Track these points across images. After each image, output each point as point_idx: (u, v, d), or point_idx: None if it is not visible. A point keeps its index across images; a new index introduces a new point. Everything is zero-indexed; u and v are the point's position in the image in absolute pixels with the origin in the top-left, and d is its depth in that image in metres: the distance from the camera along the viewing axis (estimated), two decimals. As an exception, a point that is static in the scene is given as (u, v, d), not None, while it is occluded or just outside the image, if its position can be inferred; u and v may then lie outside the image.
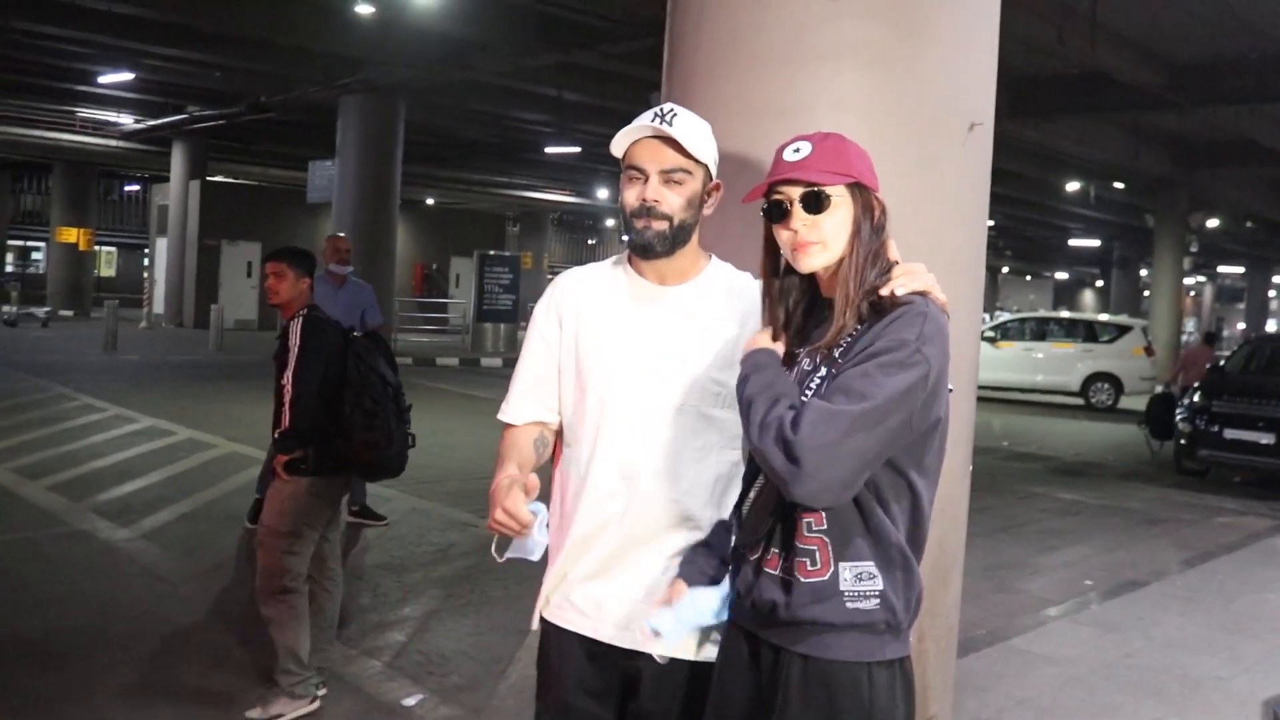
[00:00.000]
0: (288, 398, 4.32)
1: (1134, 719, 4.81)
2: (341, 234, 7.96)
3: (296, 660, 4.34)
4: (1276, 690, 5.18)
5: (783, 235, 2.01)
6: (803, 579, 1.93)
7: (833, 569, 1.92)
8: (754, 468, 2.07)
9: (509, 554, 2.24)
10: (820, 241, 1.98)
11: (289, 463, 4.33)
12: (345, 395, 4.39)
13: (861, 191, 2.00)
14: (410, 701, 4.58)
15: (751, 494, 2.05)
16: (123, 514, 7.59)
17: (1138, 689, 5.17)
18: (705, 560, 2.20)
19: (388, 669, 4.97)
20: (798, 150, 2.00)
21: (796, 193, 1.98)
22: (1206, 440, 11.79)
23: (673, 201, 2.22)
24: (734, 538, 2.12)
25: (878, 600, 1.92)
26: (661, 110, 2.24)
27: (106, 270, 45.56)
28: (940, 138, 3.25)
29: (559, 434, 2.43)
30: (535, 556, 2.22)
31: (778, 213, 2.01)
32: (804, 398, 1.90)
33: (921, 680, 3.34)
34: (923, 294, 1.95)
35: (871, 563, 1.93)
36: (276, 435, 4.39)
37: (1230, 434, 11.55)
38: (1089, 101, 18.17)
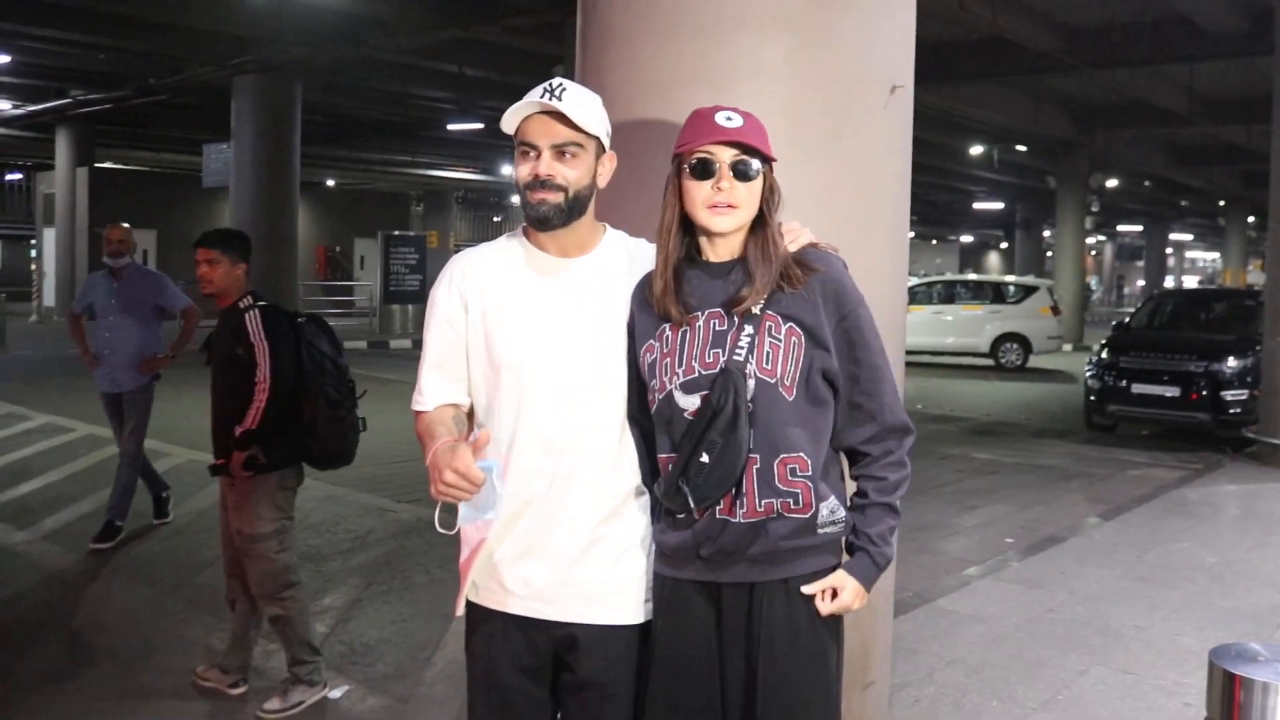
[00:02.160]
0: (263, 398, 4.17)
1: (1060, 671, 4.87)
2: (124, 225, 7.05)
3: (310, 649, 4.39)
4: (1192, 636, 5.32)
5: (701, 192, 2.17)
6: (786, 515, 2.15)
7: (814, 508, 2.17)
8: (697, 433, 2.13)
9: (462, 521, 2.18)
10: (739, 205, 2.17)
11: (248, 459, 4.21)
12: (309, 385, 4.27)
13: (771, 171, 2.22)
14: (336, 694, 4.46)
15: (705, 458, 2.11)
16: (20, 516, 7.30)
17: (1062, 642, 5.26)
18: None
19: (310, 663, 4.81)
20: (730, 119, 2.17)
21: (728, 156, 2.16)
22: (1115, 395, 12.06)
23: (567, 174, 2.24)
24: (687, 501, 2.14)
25: (842, 525, 2.22)
26: (551, 85, 2.24)
27: (-11, 263, 43.79)
28: (861, 101, 3.22)
29: (469, 415, 2.41)
30: (494, 515, 2.15)
31: (704, 170, 2.17)
32: (736, 357, 2.11)
33: (862, 646, 3.32)
34: (813, 245, 2.27)
35: (836, 497, 2.21)
36: (239, 434, 4.20)
37: (1137, 389, 11.84)
38: (990, 66, 18.38)
